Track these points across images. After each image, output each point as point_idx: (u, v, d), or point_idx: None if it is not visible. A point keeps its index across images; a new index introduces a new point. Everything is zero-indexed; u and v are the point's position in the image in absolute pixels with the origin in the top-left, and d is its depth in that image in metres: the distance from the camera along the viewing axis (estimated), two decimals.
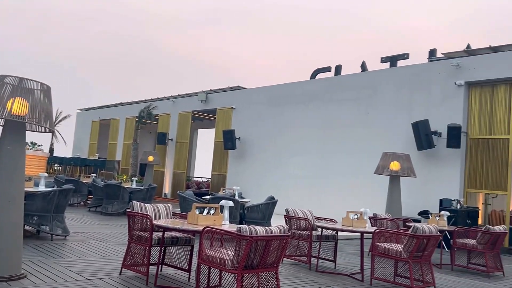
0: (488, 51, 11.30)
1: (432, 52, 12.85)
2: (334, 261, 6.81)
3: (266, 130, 16.26)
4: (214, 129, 18.41)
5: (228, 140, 16.56)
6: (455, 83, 11.50)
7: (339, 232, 6.88)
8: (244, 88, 17.92)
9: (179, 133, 19.63)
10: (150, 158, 16.67)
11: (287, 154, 15.39)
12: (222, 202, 5.10)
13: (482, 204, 11.71)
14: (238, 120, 17.23)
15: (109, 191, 11.34)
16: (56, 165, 25.53)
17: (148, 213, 5.26)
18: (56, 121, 28.39)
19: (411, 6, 45.40)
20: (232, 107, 17.53)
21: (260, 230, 3.96)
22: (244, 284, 4.12)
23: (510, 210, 11.26)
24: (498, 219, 11.15)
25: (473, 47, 11.78)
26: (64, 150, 28.34)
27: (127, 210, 5.34)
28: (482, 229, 7.47)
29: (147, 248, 4.92)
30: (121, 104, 23.89)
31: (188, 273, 5.26)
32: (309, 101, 15.08)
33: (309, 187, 14.44)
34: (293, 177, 15.00)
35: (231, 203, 5.12)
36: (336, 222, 7.14)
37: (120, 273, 5.20)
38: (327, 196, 13.77)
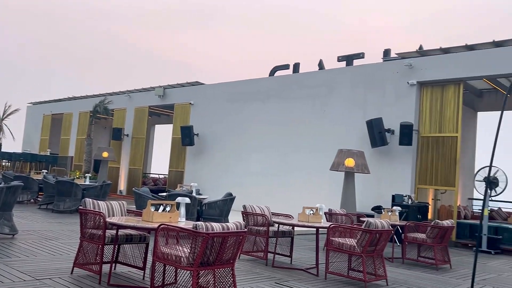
0: (439, 52, 11.75)
1: (387, 52, 13.23)
2: (290, 256, 6.90)
3: (225, 127, 16.22)
4: (172, 125, 18.17)
5: (186, 137, 16.39)
6: (407, 82, 11.89)
7: (295, 227, 6.97)
8: (203, 84, 17.78)
9: (135, 128, 19.24)
10: (105, 154, 16.24)
11: (246, 150, 15.43)
12: (179, 199, 5.04)
13: (432, 199, 12.22)
14: (196, 116, 17.09)
15: (61, 188, 10.96)
16: (4, 160, 24.38)
17: (101, 210, 5.13)
18: (4, 115, 27.10)
19: (368, 7, 46.55)
20: (190, 103, 17.36)
21: (216, 226, 3.94)
22: (200, 281, 4.10)
23: (458, 205, 11.80)
24: (447, 213, 11.66)
25: (425, 48, 12.22)
26: (12, 145, 27.09)
27: (80, 207, 5.18)
28: (431, 224, 7.79)
29: (100, 246, 4.79)
30: (75, 98, 23.11)
31: (142, 271, 5.17)
32: (267, 98, 15.16)
33: (268, 183, 14.53)
34: (252, 173, 15.06)
35: (187, 200, 5.07)
36: (293, 218, 7.23)
37: (71, 272, 5.03)
38: (285, 192, 13.91)
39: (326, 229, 6.17)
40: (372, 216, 10.57)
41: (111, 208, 5.36)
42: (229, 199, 9.73)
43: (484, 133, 14.64)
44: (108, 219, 4.77)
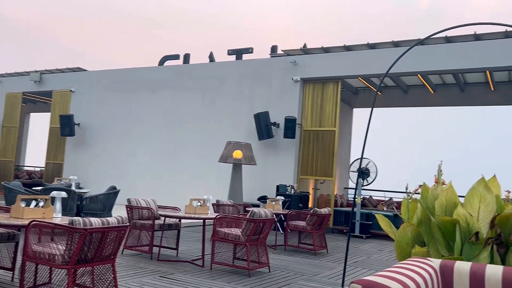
0: (320, 51, 12.50)
1: (274, 49, 13.70)
2: (177, 249, 6.84)
3: (110, 117, 15.44)
4: (50, 113, 16.80)
5: (65, 126, 15.28)
6: (292, 78, 12.46)
7: (182, 220, 6.92)
8: (86, 70, 16.71)
9: (7, 117, 17.43)
10: None
11: (133, 142, 14.88)
12: (54, 193, 4.68)
13: (312, 189, 13.01)
14: (77, 105, 16.01)
15: None
16: None
17: None
18: None
19: (259, 5, 47.75)
20: (71, 90, 16.20)
21: (95, 221, 3.75)
22: (77, 279, 3.86)
23: (335, 194, 12.73)
24: (325, 202, 12.53)
25: (308, 47, 12.90)
26: None
27: None
28: (311, 212, 8.29)
29: None
30: None
31: (11, 272, 4.72)
32: (157, 88, 14.76)
33: (156, 176, 14.20)
34: (139, 165, 14.58)
35: (63, 194, 4.74)
36: (180, 210, 7.17)
37: None
38: (174, 185, 13.73)
39: (212, 220, 6.22)
40: (258, 206, 10.93)
41: None
42: (113, 193, 9.31)
43: (358, 128, 15.98)
44: None
